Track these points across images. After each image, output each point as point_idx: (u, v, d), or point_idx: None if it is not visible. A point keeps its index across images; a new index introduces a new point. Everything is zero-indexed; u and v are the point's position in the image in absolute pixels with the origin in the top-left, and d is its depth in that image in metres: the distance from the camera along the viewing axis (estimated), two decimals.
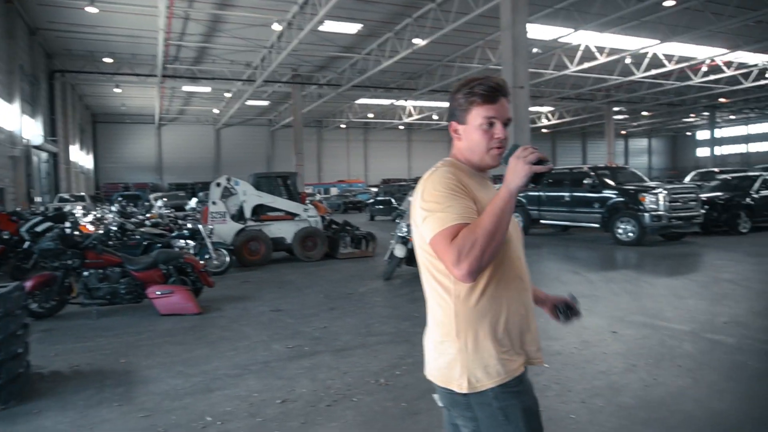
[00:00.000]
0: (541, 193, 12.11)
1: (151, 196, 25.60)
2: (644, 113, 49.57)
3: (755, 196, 12.43)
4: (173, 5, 18.84)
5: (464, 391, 1.41)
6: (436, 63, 30.18)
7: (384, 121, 48.05)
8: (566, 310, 1.68)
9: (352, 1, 19.85)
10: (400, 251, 7.48)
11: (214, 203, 10.08)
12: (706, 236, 11.98)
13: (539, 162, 1.32)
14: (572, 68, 28.15)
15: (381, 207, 20.80)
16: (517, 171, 1.32)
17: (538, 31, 22.54)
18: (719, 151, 58.87)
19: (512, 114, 1.54)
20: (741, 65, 30.36)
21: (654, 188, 10.45)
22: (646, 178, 12.47)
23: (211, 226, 9.49)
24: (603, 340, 4.52)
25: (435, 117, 45.22)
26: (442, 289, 1.44)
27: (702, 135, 60.49)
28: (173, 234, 9.13)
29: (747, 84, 32.97)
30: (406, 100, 37.79)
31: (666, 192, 10.24)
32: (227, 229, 10.04)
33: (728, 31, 24.29)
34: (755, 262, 8.24)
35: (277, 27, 21.70)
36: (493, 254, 1.32)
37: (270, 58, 26.29)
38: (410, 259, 7.68)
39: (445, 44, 25.72)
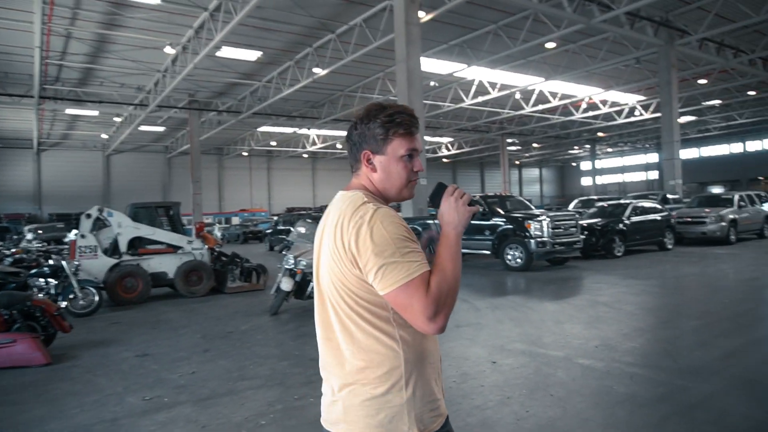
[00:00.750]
0: (435, 221, 12.31)
1: (26, 228, 23.20)
2: (535, 145, 53.12)
3: (627, 221, 13.47)
4: (51, 21, 17.40)
5: None
6: (338, 92, 30.36)
7: (288, 149, 47.50)
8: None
9: (251, 29, 19.48)
10: (287, 284, 7.11)
11: (83, 236, 9.11)
12: (586, 260, 12.73)
13: (470, 203, 1.36)
14: (468, 101, 29.51)
15: (280, 237, 20.19)
16: (460, 212, 1.34)
17: (434, 66, 23.42)
18: (600, 180, 64.39)
19: None
20: (614, 104, 33.49)
21: (538, 216, 10.96)
22: (532, 206, 13.11)
23: (77, 262, 8.54)
24: (482, 371, 4.45)
25: (339, 146, 45.43)
26: (387, 337, 1.34)
27: (585, 166, 65.85)
28: (32, 272, 8.11)
29: (620, 120, 36.39)
30: (309, 128, 37.64)
31: (549, 219, 10.78)
32: (99, 265, 9.10)
33: (602, 73, 26.75)
34: (627, 284, 8.78)
35: (170, 50, 20.74)
36: (456, 300, 1.31)
37: (164, 82, 25.05)
38: (298, 291, 7.35)
39: (346, 74, 25.99)
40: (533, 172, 72.70)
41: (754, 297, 7.48)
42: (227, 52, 21.47)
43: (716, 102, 33.29)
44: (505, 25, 19.78)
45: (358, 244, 1.30)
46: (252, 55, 22.51)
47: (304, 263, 7.16)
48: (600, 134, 47.41)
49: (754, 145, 54.47)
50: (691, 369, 4.15)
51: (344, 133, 27.48)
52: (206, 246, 10.41)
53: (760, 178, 52.23)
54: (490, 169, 64.98)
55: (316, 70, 22.95)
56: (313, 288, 5.18)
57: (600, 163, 65.51)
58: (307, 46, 22.12)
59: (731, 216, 15.54)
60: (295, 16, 18.42)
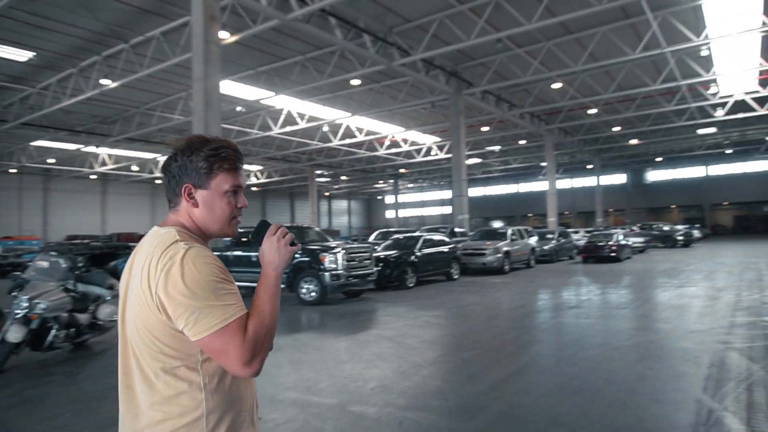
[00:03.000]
0: (228, 254, 11.47)
1: None
2: (343, 177, 54.89)
3: (418, 253, 14.22)
4: None
5: None
6: (133, 109, 27.57)
7: (71, 168, 41.55)
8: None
9: (21, 24, 16.65)
10: (15, 334, 5.67)
11: None
12: (381, 291, 13.03)
13: (291, 242, 1.35)
14: (276, 130, 29.13)
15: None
16: (281, 253, 1.34)
17: (241, 90, 22.75)
18: (403, 213, 69.10)
19: None
20: (414, 143, 36.24)
21: (333, 248, 10.85)
22: (329, 237, 13.06)
23: None
24: None
25: (135, 168, 41.29)
26: (191, 387, 1.25)
27: (390, 199, 70.02)
28: None
29: (419, 159, 39.49)
30: (97, 146, 33.41)
31: (344, 251, 10.74)
32: None
33: (403, 113, 28.74)
34: (413, 316, 9.04)
35: None
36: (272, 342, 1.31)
37: None
38: (36, 341, 5.96)
39: (142, 90, 23.74)
40: (342, 204, 74.99)
41: (518, 325, 8.21)
42: None
43: (496, 147, 38.10)
44: (313, 58, 20.02)
45: (167, 287, 1.23)
46: (22, 54, 19.32)
47: (44, 306, 5.84)
48: (402, 170, 50.92)
49: (525, 187, 63.81)
50: (459, 407, 4.15)
51: (141, 155, 25.23)
52: None
53: (530, 214, 61.23)
54: (300, 199, 65.24)
55: (104, 81, 20.52)
56: (54, 337, 5.26)
57: (403, 198, 70.41)
58: (94, 53, 19.70)
59: (505, 248, 17.53)
60: (79, 17, 16.23)
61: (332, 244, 11.35)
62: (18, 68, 21.02)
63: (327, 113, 26.94)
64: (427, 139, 35.58)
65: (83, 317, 6.65)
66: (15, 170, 41.66)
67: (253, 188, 58.17)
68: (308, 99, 24.67)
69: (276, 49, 19.39)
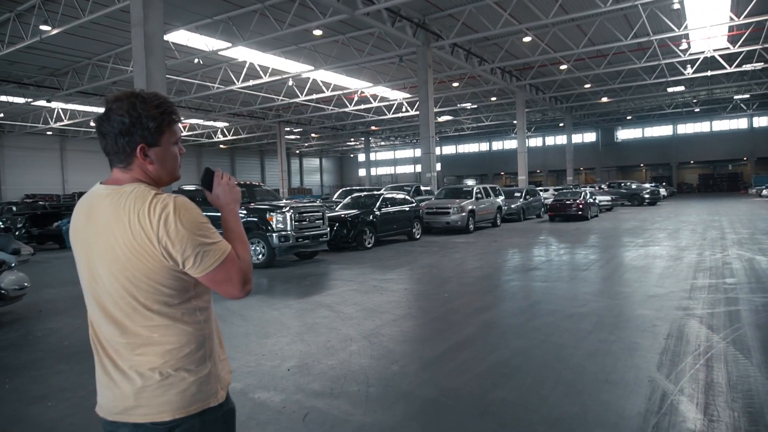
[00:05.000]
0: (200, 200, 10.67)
1: None
2: (313, 135, 53.54)
3: (378, 213, 13.62)
4: None
5: (221, 400, 1.45)
6: (84, 60, 25.89)
7: (25, 124, 39.36)
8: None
9: None
10: None
11: None
12: (337, 253, 12.46)
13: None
14: (238, 84, 27.86)
15: None
16: (233, 193, 1.54)
17: (197, 41, 21.46)
18: (376, 171, 68.27)
19: None
20: (384, 99, 35.17)
21: (281, 207, 10.14)
22: (280, 196, 12.34)
23: None
24: None
25: (94, 123, 39.35)
26: (191, 317, 1.42)
27: (362, 157, 68.92)
28: None
29: (389, 116, 38.45)
30: (48, 100, 31.52)
31: (293, 211, 10.05)
32: None
33: (371, 68, 27.62)
34: (361, 280, 8.50)
35: None
36: None
37: None
38: None
39: (92, 39, 22.19)
40: (314, 162, 73.66)
41: (471, 289, 7.76)
42: None
43: (468, 104, 37.28)
44: (272, 6, 18.82)
45: (170, 234, 1.32)
46: None
47: None
48: (373, 128, 49.80)
49: (497, 145, 63.36)
50: (379, 394, 3.61)
51: (98, 110, 23.78)
52: None
53: (502, 173, 61.06)
54: (270, 157, 63.69)
55: (44, 27, 18.99)
56: None
57: (375, 156, 69.43)
58: None
59: (470, 207, 17.07)
60: None
61: (281, 203, 10.63)
62: None
63: (291, 66, 25.76)
64: (397, 96, 34.57)
65: None
66: None
67: (221, 146, 56.51)
68: (270, 51, 23.48)
69: None
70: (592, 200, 22.88)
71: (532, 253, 12.01)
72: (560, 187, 32.73)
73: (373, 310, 6.14)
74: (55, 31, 18.83)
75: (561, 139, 53.51)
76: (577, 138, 53.70)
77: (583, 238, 14.61)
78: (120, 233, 1.34)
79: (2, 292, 6.06)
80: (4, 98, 31.83)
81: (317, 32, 21.32)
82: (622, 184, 34.86)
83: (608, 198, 27.86)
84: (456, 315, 5.99)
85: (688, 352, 4.33)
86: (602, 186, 34.96)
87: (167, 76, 27.04)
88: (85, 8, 17.33)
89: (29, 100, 31.85)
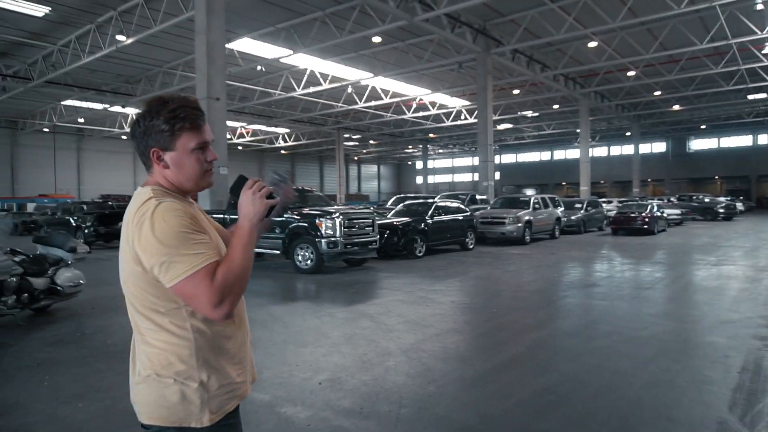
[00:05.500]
0: (225, 216, 10.87)
1: None
2: (372, 142, 53.85)
3: (429, 221, 13.34)
4: None
5: (204, 424, 1.39)
6: (156, 68, 27.28)
7: (102, 128, 41.90)
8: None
9: None
10: None
11: None
12: (387, 260, 12.27)
13: (269, 196, 1.40)
14: (299, 91, 28.41)
15: (57, 228, 17.05)
16: (255, 205, 1.39)
17: (260, 49, 22.02)
18: (434, 179, 67.87)
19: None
20: (442, 106, 34.86)
21: (331, 213, 10.08)
22: (331, 202, 12.32)
23: None
24: None
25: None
26: (178, 328, 1.38)
27: (419, 165, 68.69)
28: None
29: (448, 123, 38.07)
30: (123, 106, 33.39)
31: (342, 217, 9.97)
32: None
33: (430, 75, 27.45)
34: (408, 290, 8.24)
35: None
36: (244, 292, 1.38)
37: None
38: None
39: (163, 48, 23.32)
40: (372, 169, 74.11)
41: (523, 304, 7.37)
42: (3, 1, 17.97)
43: (529, 112, 36.34)
44: (333, 14, 19.08)
45: (141, 240, 1.33)
46: (37, 9, 19.01)
47: None
48: (431, 135, 49.55)
49: (559, 154, 61.47)
50: (412, 416, 3.36)
51: None
52: None
53: (563, 183, 59.11)
54: (329, 163, 64.60)
55: (120, 37, 20.10)
56: None
57: (433, 163, 69.07)
58: (110, 8, 19.22)
59: (527, 217, 16.47)
60: None
61: (331, 209, 10.58)
62: (36, 24, 20.80)
63: (350, 73, 25.99)
64: (456, 103, 34.17)
65: (39, 281, 6.14)
66: (48, 129, 42.27)
67: (282, 151, 57.85)
68: (330, 58, 23.80)
69: (293, 3, 18.58)
70: (659, 213, 21.61)
71: (592, 267, 11.38)
72: (625, 199, 31.19)
73: (417, 323, 5.90)
74: (129, 41, 19.87)
75: (627, 149, 51.19)
76: (644, 148, 51.18)
77: (648, 254, 13.75)
78: (124, 234, 1.39)
79: (58, 288, 6.28)
80: (85, 104, 34.03)
81: (376, 39, 21.40)
82: (694, 197, 32.83)
83: (678, 211, 26.27)
84: (504, 332, 5.65)
85: (766, 390, 3.83)
86: (671, 199, 33.06)
87: (232, 83, 28.20)
88: (156, 18, 18.16)
89: (106, 106, 33.84)
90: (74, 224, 16.23)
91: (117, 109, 34.34)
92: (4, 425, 3.21)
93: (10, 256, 5.84)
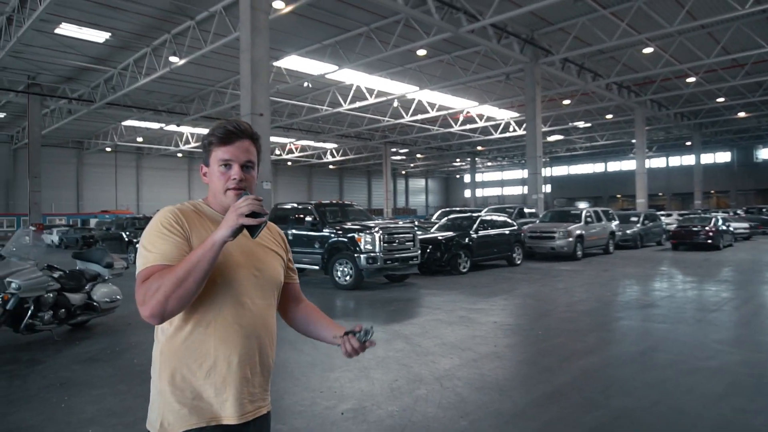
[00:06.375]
0: (287, 232, 10.80)
1: None
2: (419, 155, 53.62)
3: (474, 236, 12.88)
4: None
5: None
6: (208, 88, 28.21)
7: (159, 147, 43.70)
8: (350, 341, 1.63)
9: (94, 5, 17.23)
10: None
11: None
12: (429, 277, 11.89)
13: (254, 214, 1.33)
14: (345, 106, 28.61)
15: (112, 242, 17.66)
16: (227, 221, 1.34)
17: (306, 65, 22.31)
18: (482, 192, 66.81)
19: (254, 156, 1.55)
20: (490, 118, 34.26)
21: (370, 228, 9.83)
22: (372, 216, 12.10)
23: None
24: None
25: None
26: (160, 332, 1.46)
27: (468, 178, 67.85)
28: None
29: (496, 135, 37.35)
30: (178, 125, 34.72)
31: (381, 232, 9.70)
32: None
33: (477, 86, 27.02)
34: (449, 309, 7.85)
35: None
36: (182, 300, 1.33)
37: None
38: (13, 321, 5.53)
39: (214, 68, 24.08)
40: (420, 183, 73.83)
41: (571, 327, 6.83)
42: (68, 29, 19.09)
43: (580, 123, 35.17)
44: (377, 28, 19.15)
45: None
46: (99, 36, 20.04)
47: (16, 285, 5.34)
48: (479, 148, 48.82)
49: (613, 166, 59.22)
50: None
51: None
52: None
53: (618, 195, 56.80)
54: (376, 177, 64.82)
55: (172, 59, 20.86)
56: (36, 319, 5.44)
57: (482, 176, 68.07)
58: (164, 31, 20.04)
59: (578, 232, 15.70)
60: None
61: (370, 223, 10.34)
62: (98, 49, 21.90)
63: (396, 87, 25.97)
64: (504, 115, 33.52)
65: (76, 297, 6.17)
66: (110, 149, 44.44)
67: (330, 166, 58.47)
68: (376, 73, 23.85)
69: (338, 20, 18.73)
70: (724, 227, 20.19)
71: (650, 286, 10.60)
72: (686, 212, 29.47)
73: (454, 346, 5.53)
74: (181, 62, 20.57)
75: (688, 159, 48.70)
76: (707, 158, 48.57)
77: (713, 271, 12.75)
78: None
79: (94, 303, 6.30)
80: (143, 124, 35.59)
81: (421, 52, 21.27)
82: (764, 210, 30.65)
83: (746, 225, 24.51)
84: (549, 358, 5.19)
85: None
86: (738, 211, 31.00)
87: (280, 99, 28.72)
88: (207, 39, 18.71)
89: (162, 125, 35.25)
90: (126, 239, 16.77)
91: (172, 128, 35.71)
92: None
93: (47, 272, 5.89)
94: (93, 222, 35.97)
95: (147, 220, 20.47)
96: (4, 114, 32.96)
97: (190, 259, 1.31)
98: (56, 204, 42.34)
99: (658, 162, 54.72)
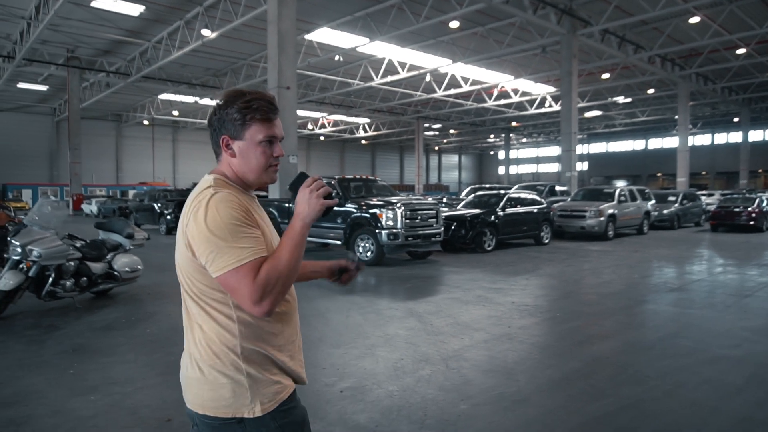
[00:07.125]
0: (290, 205, 10.83)
1: None
2: (452, 131, 52.86)
3: (500, 213, 12.62)
4: None
5: (257, 414, 1.38)
6: (240, 61, 28.36)
7: (195, 120, 44.38)
8: (340, 273, 1.78)
9: None
10: (7, 281, 5.38)
11: None
12: (453, 254, 11.75)
13: (328, 196, 1.38)
14: (377, 80, 28.31)
15: (145, 213, 18.09)
16: (311, 204, 1.37)
17: (338, 39, 22.08)
18: (517, 170, 65.61)
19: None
20: (525, 93, 33.36)
21: (392, 203, 9.72)
22: (396, 192, 11.96)
23: None
24: None
25: None
26: (225, 318, 1.39)
27: (502, 155, 66.72)
28: None
29: (531, 111, 36.41)
30: (212, 98, 35.11)
31: (404, 208, 9.58)
32: None
33: (511, 60, 26.26)
34: (467, 288, 7.70)
35: None
36: (289, 288, 1.36)
37: (30, 31, 22.12)
38: (36, 287, 5.71)
39: (246, 41, 24.10)
40: (453, 159, 73.01)
41: (592, 310, 6.62)
42: (104, 2, 19.38)
43: (620, 98, 33.92)
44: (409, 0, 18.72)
45: (193, 227, 1.34)
46: (134, 9, 20.31)
47: (37, 253, 5.48)
48: (514, 124, 47.77)
49: (654, 143, 57.12)
50: None
51: None
52: None
53: (659, 174, 54.91)
54: (409, 153, 64.38)
55: (204, 32, 20.97)
56: (58, 286, 5.75)
57: (516, 153, 66.77)
58: (196, 4, 20.11)
59: (610, 211, 15.21)
60: None
61: (393, 199, 10.22)
62: (133, 22, 22.15)
63: (428, 61, 25.49)
64: (540, 89, 32.59)
65: (98, 266, 6.32)
66: (147, 122, 45.37)
67: (363, 141, 58.32)
68: (408, 46, 23.44)
69: None
70: None
71: (681, 269, 10.21)
72: (728, 192, 28.23)
73: (466, 326, 5.43)
74: (213, 35, 20.65)
75: (735, 137, 46.58)
76: (756, 135, 46.29)
77: (752, 254, 12.19)
78: (181, 218, 1.42)
79: (115, 273, 6.45)
80: (178, 98, 36.12)
81: (454, 24, 20.76)
82: None
83: None
84: (562, 342, 5.04)
85: None
86: None
87: (312, 73, 28.59)
88: (237, 12, 18.68)
89: (197, 98, 35.70)
90: (158, 210, 17.15)
91: (206, 101, 36.12)
92: (10, 416, 3.18)
93: (68, 241, 6.03)
94: (131, 193, 37.04)
95: (179, 192, 20.86)
96: (47, 87, 33.92)
97: (294, 246, 1.33)
98: (96, 175, 43.68)
99: (702, 139, 52.51)
